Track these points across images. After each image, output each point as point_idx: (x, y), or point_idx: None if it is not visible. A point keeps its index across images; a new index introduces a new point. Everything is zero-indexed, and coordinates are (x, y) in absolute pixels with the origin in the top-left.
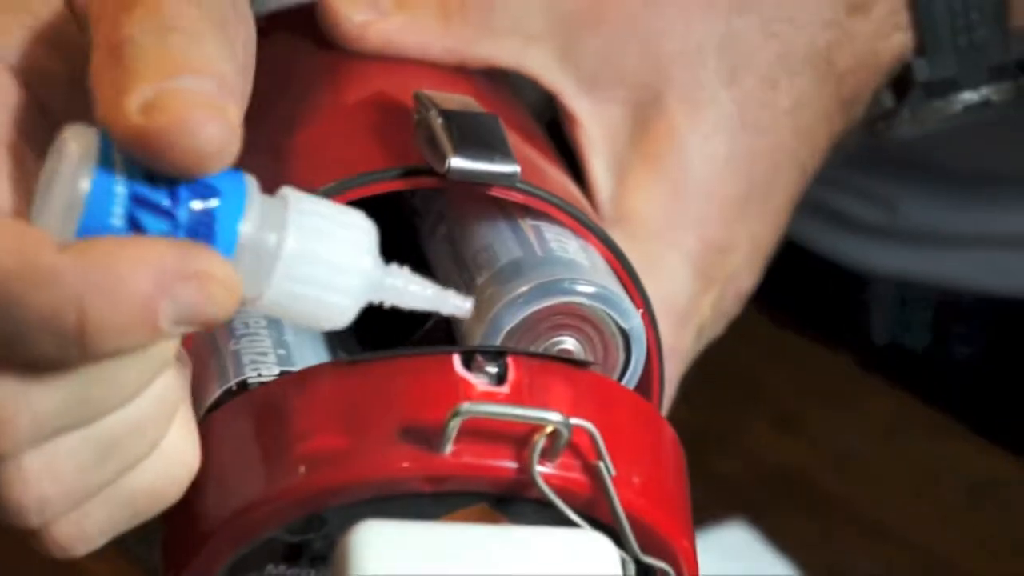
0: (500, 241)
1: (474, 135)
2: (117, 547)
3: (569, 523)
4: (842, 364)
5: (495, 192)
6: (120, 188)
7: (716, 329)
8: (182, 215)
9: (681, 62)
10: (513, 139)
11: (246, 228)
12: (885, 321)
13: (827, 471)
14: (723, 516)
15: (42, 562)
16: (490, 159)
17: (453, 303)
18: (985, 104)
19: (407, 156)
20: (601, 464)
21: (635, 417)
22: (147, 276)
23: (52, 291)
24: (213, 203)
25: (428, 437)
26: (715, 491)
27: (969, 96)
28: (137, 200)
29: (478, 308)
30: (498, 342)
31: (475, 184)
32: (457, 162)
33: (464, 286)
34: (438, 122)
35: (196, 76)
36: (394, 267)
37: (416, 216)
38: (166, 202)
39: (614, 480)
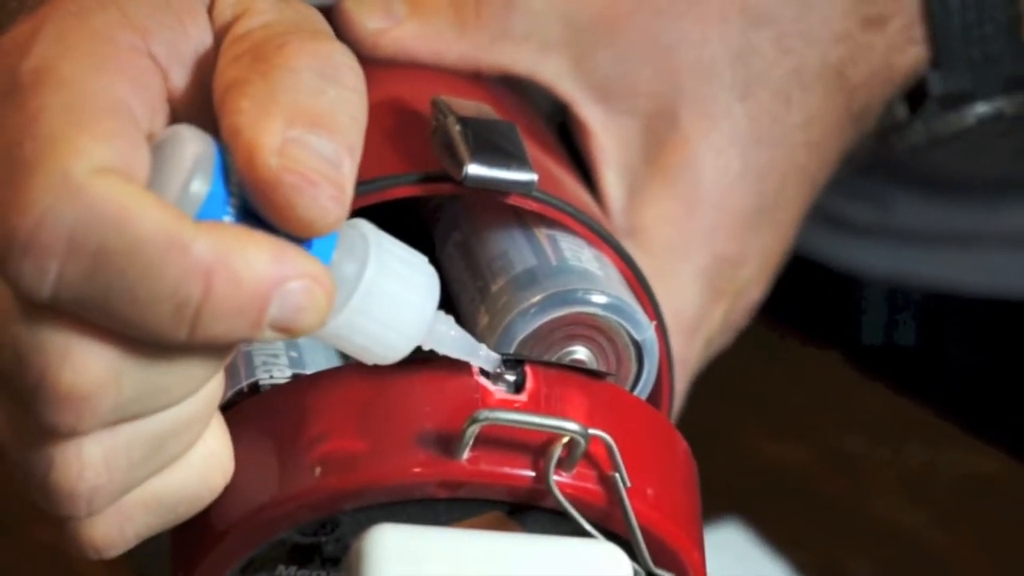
0: (515, 249)
1: (491, 142)
2: None
3: (583, 533)
4: (835, 364)
5: (511, 200)
6: (233, 201)
7: (724, 341)
8: (282, 236)
9: (695, 75)
10: (529, 147)
11: (335, 255)
12: (876, 321)
13: (821, 471)
14: (717, 516)
15: (33, 558)
16: (507, 167)
17: (484, 355)
18: (998, 116)
19: (424, 162)
20: (617, 475)
21: (650, 429)
22: (269, 264)
23: (185, 260)
24: None
25: (444, 443)
26: (709, 491)
27: (982, 108)
28: (246, 215)
29: (492, 316)
30: (511, 350)
31: (491, 192)
32: (474, 169)
33: (478, 293)
34: (455, 129)
35: (330, 140)
36: (441, 314)
37: (431, 222)
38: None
39: (628, 492)
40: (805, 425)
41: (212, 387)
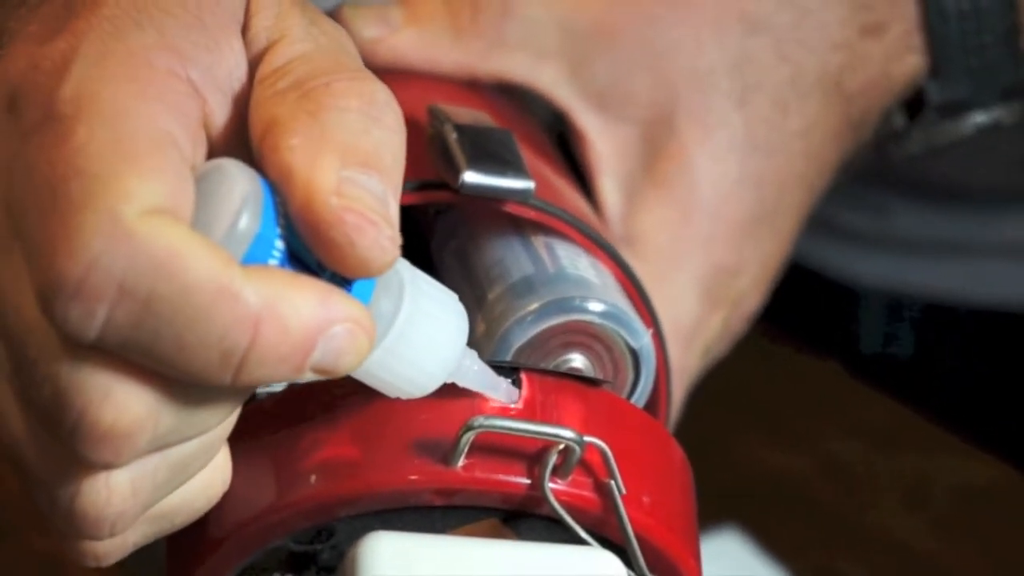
0: (512, 257)
1: (488, 150)
2: None
3: (578, 541)
4: (833, 372)
5: (508, 208)
6: (279, 243)
7: (722, 349)
8: (326, 277)
9: (692, 82)
10: (526, 155)
11: (373, 296)
12: (874, 331)
13: (818, 479)
14: (715, 523)
15: (29, 565)
16: (503, 174)
17: (504, 389)
18: (996, 125)
19: (421, 170)
20: (612, 483)
21: (646, 437)
22: (316, 310)
23: (235, 308)
24: None
25: (440, 450)
26: (707, 499)
27: (980, 117)
28: (290, 255)
29: (488, 324)
30: (508, 359)
31: (488, 199)
32: (471, 177)
33: (475, 301)
34: (452, 136)
35: (380, 180)
36: (468, 351)
37: (429, 230)
38: (313, 261)
39: (624, 499)
40: (803, 433)
41: (235, 414)
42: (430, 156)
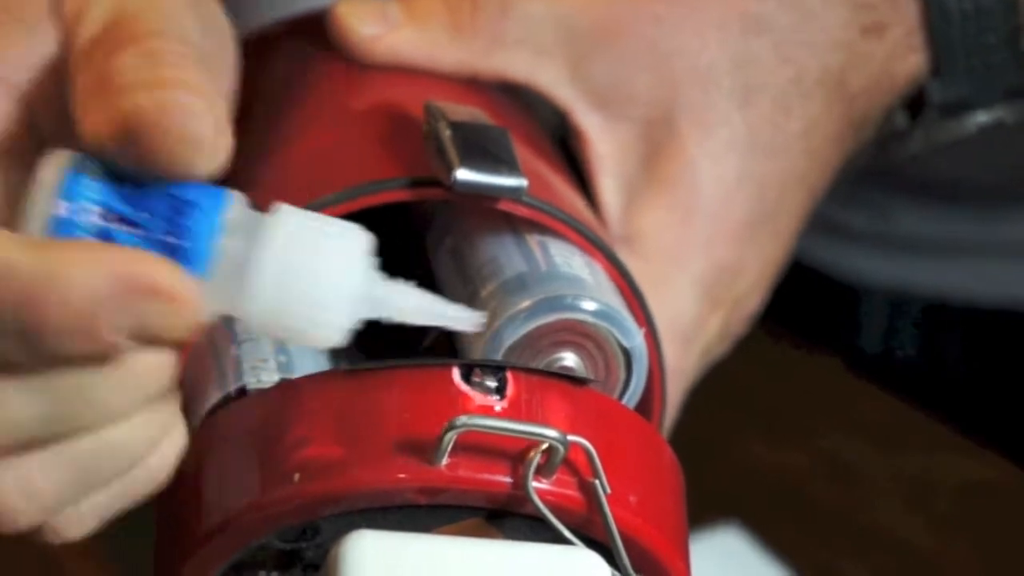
0: (505, 255)
1: (482, 147)
2: (100, 546)
3: (563, 540)
4: (834, 370)
5: (501, 206)
6: (90, 205)
7: (721, 349)
8: (155, 229)
9: (694, 82)
10: (522, 153)
11: (224, 244)
12: (876, 331)
13: (820, 477)
14: (716, 522)
15: (22, 560)
16: (496, 172)
17: (457, 315)
18: (998, 125)
19: (415, 167)
20: (596, 482)
21: (634, 436)
22: (96, 281)
23: (9, 284)
24: (188, 218)
25: (424, 449)
26: (708, 497)
27: (983, 117)
28: (111, 214)
29: None
30: (499, 356)
31: (481, 197)
32: (463, 174)
33: (468, 299)
34: (446, 133)
35: (186, 93)
36: (396, 282)
37: (424, 227)
38: (142, 215)
39: (609, 498)
40: (803, 431)
41: (153, 417)
42: (425, 153)
